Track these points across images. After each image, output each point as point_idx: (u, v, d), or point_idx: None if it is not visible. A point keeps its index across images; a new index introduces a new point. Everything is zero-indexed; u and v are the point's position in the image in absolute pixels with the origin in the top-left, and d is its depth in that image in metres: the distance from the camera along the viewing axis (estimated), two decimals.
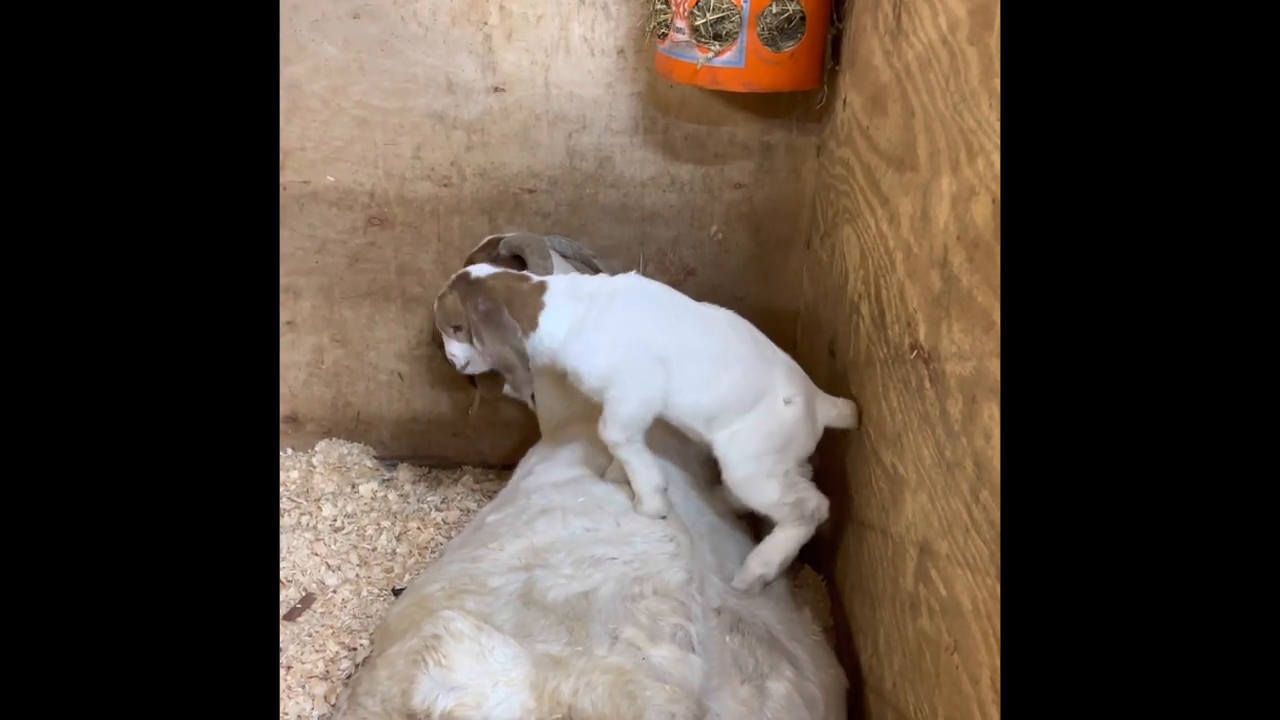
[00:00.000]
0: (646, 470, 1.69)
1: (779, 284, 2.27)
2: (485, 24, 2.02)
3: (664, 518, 1.68)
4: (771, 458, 1.64)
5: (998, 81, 1.03)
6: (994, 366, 1.01)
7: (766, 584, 1.67)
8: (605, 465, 1.82)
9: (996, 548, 0.99)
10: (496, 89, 2.08)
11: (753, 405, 1.63)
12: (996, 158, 1.02)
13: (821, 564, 1.96)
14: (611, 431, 1.66)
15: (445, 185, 2.18)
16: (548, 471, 1.86)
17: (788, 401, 1.64)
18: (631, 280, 1.71)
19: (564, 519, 1.65)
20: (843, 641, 1.71)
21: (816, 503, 1.67)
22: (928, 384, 1.24)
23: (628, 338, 1.64)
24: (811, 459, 1.87)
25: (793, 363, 1.72)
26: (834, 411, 1.68)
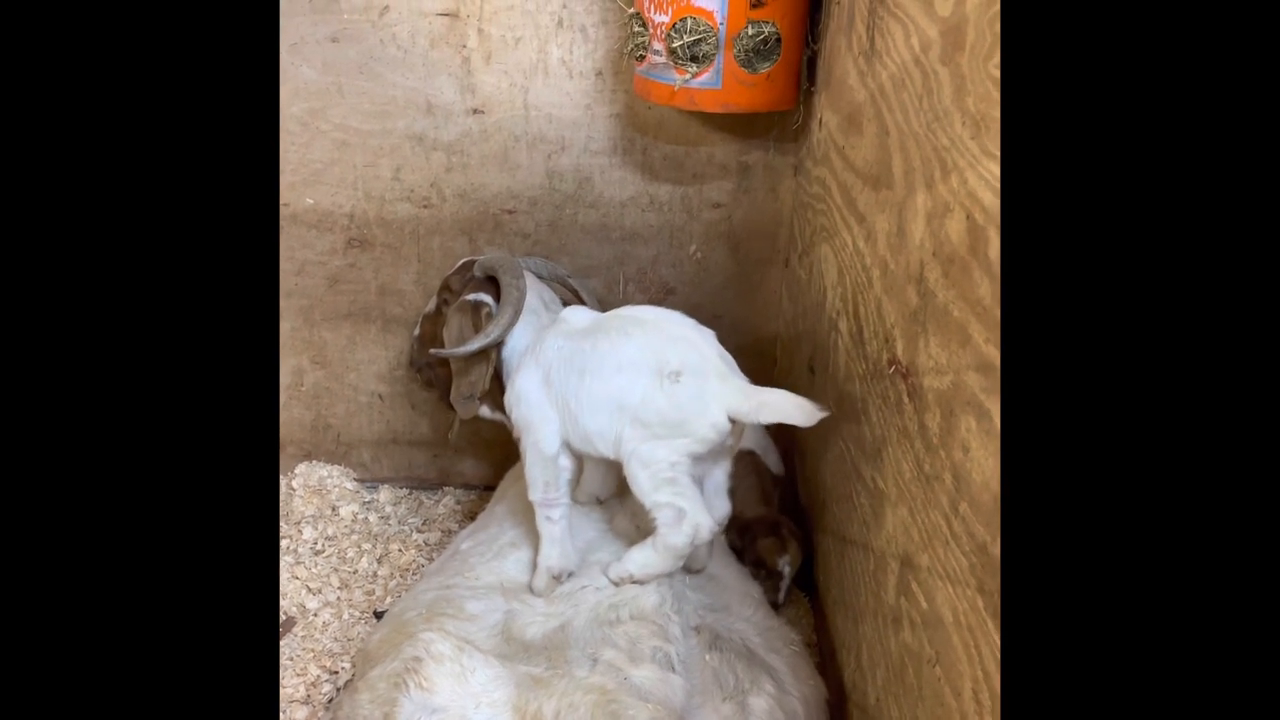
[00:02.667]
0: (549, 546, 1.63)
1: (758, 302, 2.29)
2: (464, 47, 2.03)
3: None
4: (650, 445, 1.48)
5: (969, 100, 1.05)
6: (971, 380, 1.02)
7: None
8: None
9: (976, 559, 1.00)
10: (476, 111, 2.09)
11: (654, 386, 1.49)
12: (970, 174, 1.04)
13: (804, 580, 1.96)
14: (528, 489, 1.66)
15: (425, 206, 2.18)
16: (520, 497, 1.87)
17: (673, 378, 1.47)
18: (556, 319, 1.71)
19: (532, 559, 1.66)
20: (826, 658, 1.71)
21: (697, 519, 1.48)
22: (906, 398, 1.26)
23: (525, 392, 1.65)
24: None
25: (699, 341, 1.53)
26: (745, 405, 1.45)
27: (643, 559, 1.53)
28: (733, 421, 1.47)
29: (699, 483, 1.58)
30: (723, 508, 1.62)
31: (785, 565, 1.84)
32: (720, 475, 1.61)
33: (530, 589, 1.61)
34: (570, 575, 1.62)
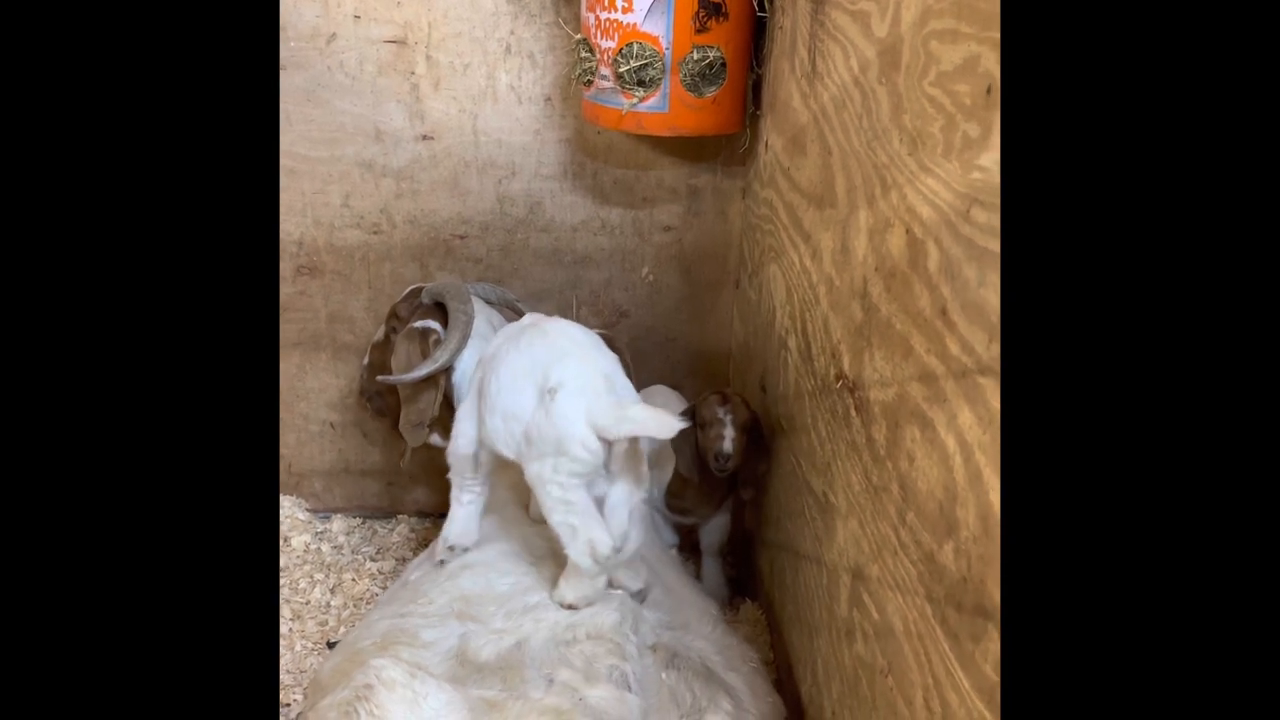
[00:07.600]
0: (452, 522, 1.73)
1: (710, 323, 2.31)
2: (412, 74, 2.04)
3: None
4: (539, 464, 1.48)
5: (906, 117, 1.08)
6: (914, 390, 1.04)
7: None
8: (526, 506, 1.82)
9: (924, 568, 1.01)
10: (425, 137, 2.09)
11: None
12: (908, 190, 1.06)
13: (759, 597, 1.97)
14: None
15: (375, 233, 2.18)
16: None
17: (550, 395, 1.46)
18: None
19: (486, 575, 1.64)
20: (783, 674, 1.71)
21: (589, 535, 1.46)
22: (854, 412, 1.27)
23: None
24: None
25: (586, 358, 1.53)
26: (607, 420, 1.44)
27: (565, 583, 1.53)
28: (606, 441, 1.46)
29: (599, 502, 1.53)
30: (619, 527, 1.52)
31: (725, 414, 1.75)
32: (616, 496, 1.53)
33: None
34: (465, 550, 1.71)
